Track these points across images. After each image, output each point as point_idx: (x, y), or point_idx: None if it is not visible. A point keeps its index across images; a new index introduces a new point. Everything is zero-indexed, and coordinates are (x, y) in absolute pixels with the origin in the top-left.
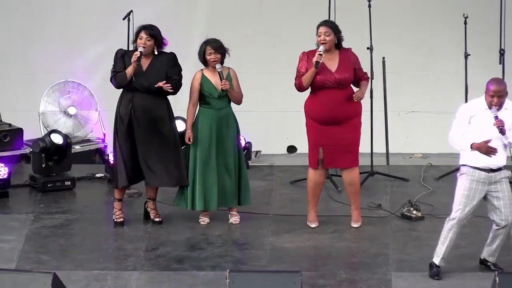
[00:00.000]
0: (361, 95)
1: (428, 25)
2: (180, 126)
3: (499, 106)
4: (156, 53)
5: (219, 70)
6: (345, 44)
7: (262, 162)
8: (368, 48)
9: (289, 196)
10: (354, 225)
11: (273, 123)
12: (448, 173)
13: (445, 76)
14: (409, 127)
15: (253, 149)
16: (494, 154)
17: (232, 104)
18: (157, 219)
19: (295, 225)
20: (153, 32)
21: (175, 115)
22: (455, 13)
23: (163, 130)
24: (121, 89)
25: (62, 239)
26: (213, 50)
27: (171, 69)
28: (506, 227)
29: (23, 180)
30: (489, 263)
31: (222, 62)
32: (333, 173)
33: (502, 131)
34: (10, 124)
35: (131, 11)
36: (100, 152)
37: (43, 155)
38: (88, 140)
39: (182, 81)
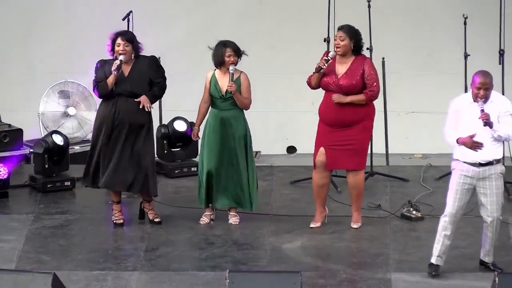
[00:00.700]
0: (337, 99)
1: (428, 25)
2: (180, 126)
3: (485, 98)
4: (132, 57)
5: (231, 72)
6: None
7: (262, 162)
8: (368, 48)
9: (289, 196)
10: (354, 225)
11: (273, 123)
12: (448, 173)
13: (445, 76)
14: (409, 127)
15: (253, 149)
16: (480, 149)
17: None
18: (156, 220)
19: (295, 225)
20: (129, 37)
21: (176, 115)
22: (455, 13)
23: (142, 135)
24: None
25: (62, 239)
26: (233, 52)
27: (155, 73)
28: (492, 224)
29: (23, 180)
30: (488, 264)
31: (235, 65)
32: (333, 173)
33: (487, 124)
34: (10, 125)
35: (131, 11)
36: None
37: (46, 156)
38: (88, 141)
39: (181, 82)
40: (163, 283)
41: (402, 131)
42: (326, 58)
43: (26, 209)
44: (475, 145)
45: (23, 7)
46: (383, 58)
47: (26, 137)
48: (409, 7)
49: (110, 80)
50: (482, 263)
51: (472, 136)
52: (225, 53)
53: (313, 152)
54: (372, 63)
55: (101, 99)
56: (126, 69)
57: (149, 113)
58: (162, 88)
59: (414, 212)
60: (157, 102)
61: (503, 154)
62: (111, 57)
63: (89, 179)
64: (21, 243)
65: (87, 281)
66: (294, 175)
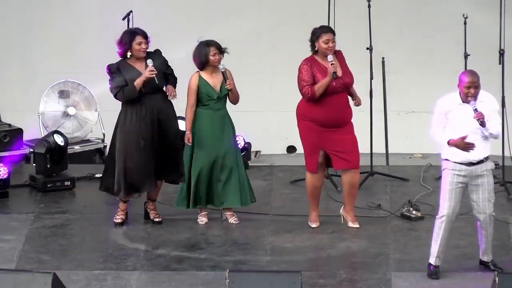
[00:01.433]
0: (360, 100)
1: (428, 26)
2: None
3: (475, 97)
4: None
5: (222, 70)
6: (345, 44)
7: (262, 162)
8: (368, 48)
9: (289, 196)
10: (354, 225)
11: (273, 123)
12: None
13: (445, 76)
14: (409, 127)
15: (253, 149)
16: (472, 149)
17: (231, 105)
18: (157, 219)
19: (295, 225)
20: (146, 35)
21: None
22: (455, 13)
23: (172, 128)
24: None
25: (62, 239)
26: (218, 51)
27: (166, 67)
28: (485, 221)
29: (23, 180)
30: (488, 263)
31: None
32: (333, 173)
33: (482, 124)
34: (10, 124)
35: (131, 11)
36: (100, 152)
37: (48, 155)
38: (88, 141)
39: (180, 82)
40: (163, 283)
41: (402, 131)
42: (332, 62)
43: (26, 208)
44: (467, 146)
45: (23, 7)
46: (383, 58)
47: (26, 137)
48: (409, 7)
49: (139, 83)
50: (482, 262)
51: (463, 138)
52: (210, 52)
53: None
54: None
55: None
56: (142, 66)
57: (171, 102)
58: (176, 78)
59: (414, 211)
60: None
61: (503, 154)
62: (119, 56)
63: (125, 187)
64: (21, 243)
65: (87, 281)
66: (294, 175)
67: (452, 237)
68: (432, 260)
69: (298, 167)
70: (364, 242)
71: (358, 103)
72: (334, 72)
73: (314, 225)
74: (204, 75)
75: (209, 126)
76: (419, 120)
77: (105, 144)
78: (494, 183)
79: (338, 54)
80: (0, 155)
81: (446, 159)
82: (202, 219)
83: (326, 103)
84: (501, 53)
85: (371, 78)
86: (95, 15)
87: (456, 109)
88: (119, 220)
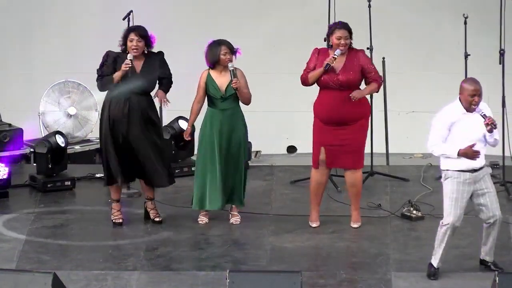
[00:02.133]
0: (357, 95)
1: (428, 25)
2: (185, 125)
3: (478, 105)
4: (146, 52)
5: (231, 69)
6: None
7: (262, 162)
8: (368, 48)
9: (289, 196)
10: (354, 225)
11: (273, 123)
12: None
13: (445, 76)
14: (409, 127)
15: (253, 149)
16: (479, 157)
17: None
18: (157, 219)
19: (295, 225)
20: (142, 32)
21: (176, 115)
22: (455, 13)
23: (155, 131)
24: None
25: (62, 239)
26: (229, 50)
27: (162, 70)
28: (495, 223)
29: (23, 180)
30: (489, 263)
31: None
32: (333, 173)
33: (494, 127)
34: (10, 124)
35: (131, 11)
36: (100, 152)
37: (49, 155)
38: (88, 140)
39: (181, 80)
40: (163, 283)
41: (402, 131)
42: (334, 55)
43: (26, 208)
44: (475, 155)
45: (23, 8)
46: (383, 58)
47: (26, 137)
48: (409, 7)
49: (117, 77)
50: (483, 262)
51: (472, 146)
52: (221, 51)
53: (312, 151)
54: (365, 53)
55: (107, 96)
56: (138, 65)
57: (156, 107)
58: (170, 83)
59: (414, 211)
60: (157, 103)
61: (503, 154)
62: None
63: (116, 177)
64: (21, 243)
65: (87, 281)
66: (294, 174)
67: (452, 237)
68: (435, 263)
69: (298, 167)
70: (364, 242)
71: (353, 96)
72: (328, 64)
73: (314, 225)
74: (213, 73)
75: (212, 126)
76: (419, 120)
77: None
78: (494, 183)
79: (354, 52)
80: (0, 155)
81: (447, 169)
82: (203, 219)
83: (326, 100)
84: (501, 53)
85: None
86: (95, 15)
87: (461, 120)
88: (119, 220)
